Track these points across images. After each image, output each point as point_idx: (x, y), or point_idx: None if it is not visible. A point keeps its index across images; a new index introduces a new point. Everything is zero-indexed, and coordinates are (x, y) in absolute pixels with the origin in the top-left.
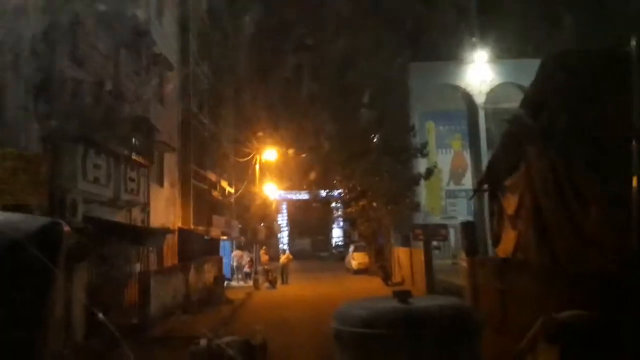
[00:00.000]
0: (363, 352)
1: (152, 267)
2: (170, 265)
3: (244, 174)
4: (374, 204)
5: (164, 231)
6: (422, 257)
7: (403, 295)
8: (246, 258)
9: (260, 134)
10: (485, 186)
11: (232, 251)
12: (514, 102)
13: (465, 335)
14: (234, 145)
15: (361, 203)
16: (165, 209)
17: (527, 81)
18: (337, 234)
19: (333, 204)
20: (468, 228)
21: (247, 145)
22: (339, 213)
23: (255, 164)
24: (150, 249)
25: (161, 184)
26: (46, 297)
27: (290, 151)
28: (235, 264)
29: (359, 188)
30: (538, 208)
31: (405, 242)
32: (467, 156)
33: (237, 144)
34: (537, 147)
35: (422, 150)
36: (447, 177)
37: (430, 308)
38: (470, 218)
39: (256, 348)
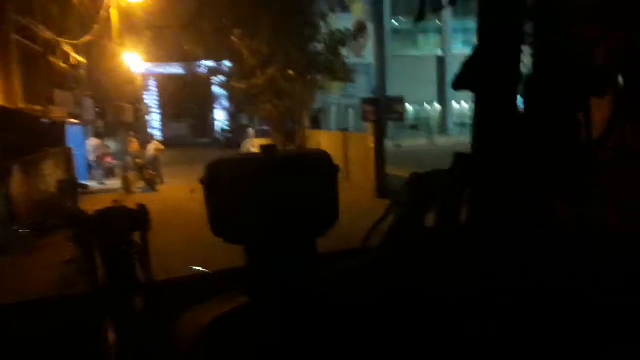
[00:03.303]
0: (232, 196)
1: None
2: None
3: (92, 32)
4: (290, 72)
5: None
6: (370, 145)
7: (270, 149)
8: (107, 148)
9: None
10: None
11: (86, 140)
12: None
13: (323, 177)
14: None
15: (269, 71)
16: None
17: None
18: (221, 117)
19: (218, 78)
20: None
21: None
22: (225, 90)
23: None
24: None
25: None
26: None
27: None
28: (92, 157)
29: (265, 50)
30: None
31: (314, 125)
32: (369, 24)
33: None
34: None
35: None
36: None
37: (293, 157)
38: (371, 96)
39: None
